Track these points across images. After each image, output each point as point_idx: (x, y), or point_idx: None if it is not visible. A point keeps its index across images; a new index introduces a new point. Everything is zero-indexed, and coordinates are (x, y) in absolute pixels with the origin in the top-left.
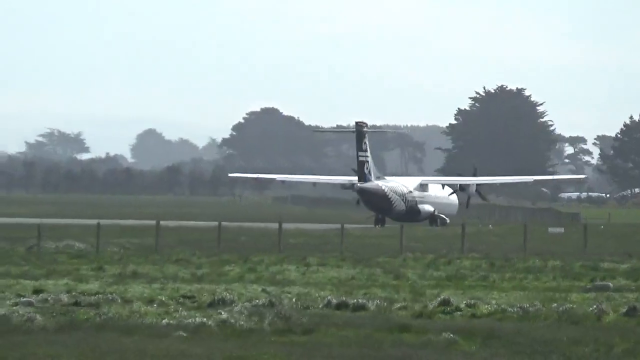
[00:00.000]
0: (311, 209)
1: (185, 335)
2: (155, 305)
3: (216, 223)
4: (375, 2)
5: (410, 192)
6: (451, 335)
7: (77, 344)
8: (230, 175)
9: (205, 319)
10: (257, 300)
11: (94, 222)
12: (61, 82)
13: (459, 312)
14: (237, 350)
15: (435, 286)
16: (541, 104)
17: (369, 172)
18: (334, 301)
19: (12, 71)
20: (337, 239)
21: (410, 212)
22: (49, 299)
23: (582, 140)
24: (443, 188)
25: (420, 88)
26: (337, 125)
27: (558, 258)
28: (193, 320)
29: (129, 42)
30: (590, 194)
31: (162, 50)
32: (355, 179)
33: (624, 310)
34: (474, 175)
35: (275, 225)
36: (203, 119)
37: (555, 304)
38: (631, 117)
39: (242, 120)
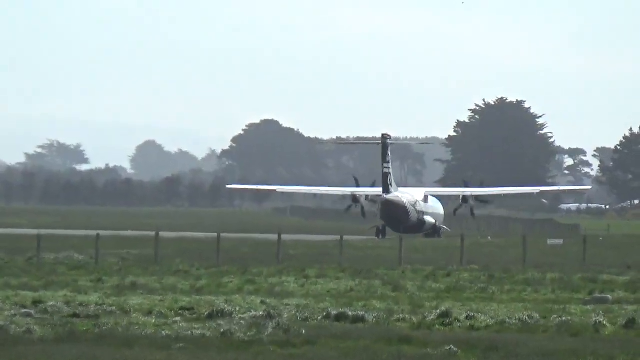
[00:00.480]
0: (310, 220)
1: (184, 346)
2: (154, 316)
3: (215, 234)
4: (375, 17)
5: (418, 203)
6: (451, 347)
7: (76, 356)
8: (227, 186)
9: (204, 331)
10: (256, 312)
11: (93, 233)
12: (62, 91)
13: (458, 324)
14: None
15: (434, 298)
16: (541, 116)
17: (390, 183)
18: (333, 313)
19: (12, 79)
20: (336, 251)
21: (418, 224)
22: (48, 310)
23: (582, 152)
24: (427, 199)
25: (420, 100)
26: (337, 137)
27: (557, 270)
28: (192, 332)
29: (129, 55)
30: (589, 205)
31: (162, 63)
32: (355, 189)
33: (623, 322)
34: (481, 186)
35: (275, 237)
36: (203, 131)
37: (554, 316)
38: (631, 130)
39: (242, 132)
